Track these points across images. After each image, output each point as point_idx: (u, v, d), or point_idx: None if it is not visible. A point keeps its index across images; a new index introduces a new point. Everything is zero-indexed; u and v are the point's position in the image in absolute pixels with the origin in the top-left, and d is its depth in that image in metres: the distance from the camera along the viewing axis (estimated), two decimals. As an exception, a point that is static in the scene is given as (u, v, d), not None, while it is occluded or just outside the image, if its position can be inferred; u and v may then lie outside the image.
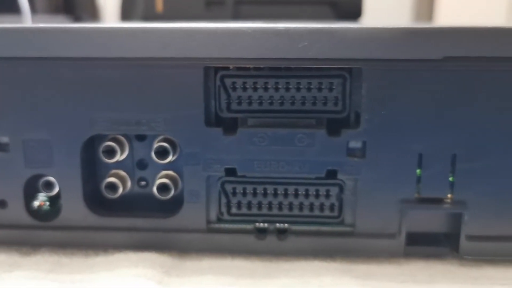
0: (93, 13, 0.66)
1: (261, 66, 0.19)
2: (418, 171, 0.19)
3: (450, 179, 0.19)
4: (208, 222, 0.20)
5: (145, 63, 0.18)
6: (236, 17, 0.46)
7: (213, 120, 0.19)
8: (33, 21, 0.51)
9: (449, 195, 0.19)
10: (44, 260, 0.20)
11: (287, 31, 0.18)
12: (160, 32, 0.18)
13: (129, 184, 0.21)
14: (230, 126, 0.19)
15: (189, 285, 0.18)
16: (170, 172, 0.20)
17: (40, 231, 0.20)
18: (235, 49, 0.18)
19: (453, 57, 0.18)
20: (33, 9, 0.60)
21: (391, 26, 0.18)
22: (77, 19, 0.63)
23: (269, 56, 0.18)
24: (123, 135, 0.20)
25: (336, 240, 0.20)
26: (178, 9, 0.46)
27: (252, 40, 0.18)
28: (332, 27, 0.18)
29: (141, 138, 0.20)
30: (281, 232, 0.20)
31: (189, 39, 0.18)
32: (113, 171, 0.21)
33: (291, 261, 0.20)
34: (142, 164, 0.21)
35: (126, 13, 0.51)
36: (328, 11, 0.46)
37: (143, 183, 0.21)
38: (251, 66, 0.19)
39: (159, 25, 0.18)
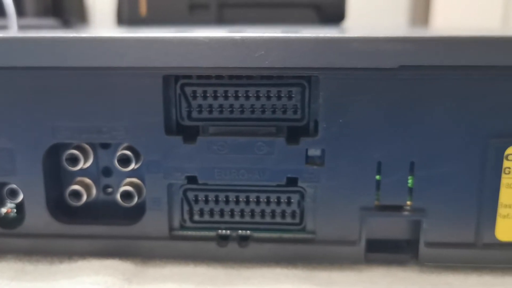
0: (82, 16, 0.66)
1: (219, 75, 0.19)
2: (377, 178, 0.19)
3: (409, 186, 0.19)
4: (171, 229, 0.20)
5: (104, 72, 0.19)
6: (220, 20, 0.46)
7: (174, 128, 0.20)
8: (21, 23, 0.51)
9: (408, 202, 0.19)
10: (8, 267, 0.20)
11: (243, 41, 0.18)
12: (118, 41, 0.18)
13: (94, 191, 0.21)
14: (191, 134, 0.19)
15: (148, 292, 0.18)
16: (135, 180, 0.21)
17: (4, 238, 0.21)
18: (192, 58, 0.18)
19: (408, 66, 0.18)
20: (22, 11, 0.60)
21: (347, 35, 0.18)
22: (66, 22, 0.63)
23: (226, 65, 0.18)
24: (88, 143, 0.20)
25: (298, 247, 0.20)
26: (161, 13, 0.46)
27: (209, 50, 0.18)
28: (288, 36, 0.18)
29: (105, 146, 0.21)
30: (243, 239, 0.20)
31: (146, 48, 0.18)
32: (78, 178, 0.21)
33: (253, 268, 0.20)
34: (107, 172, 0.21)
35: (119, 17, 0.51)
36: (312, 14, 0.46)
37: (109, 190, 0.21)
38: (210, 74, 0.19)
39: (117, 34, 0.18)
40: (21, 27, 0.46)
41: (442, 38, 0.17)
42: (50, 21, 0.61)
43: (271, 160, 0.19)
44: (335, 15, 0.46)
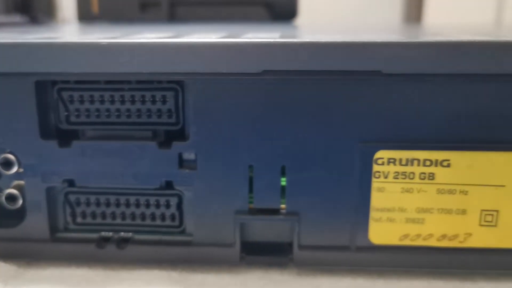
0: (50, 13, 0.66)
1: (86, 80, 0.19)
2: (249, 181, 0.19)
3: (282, 190, 0.19)
4: (54, 231, 0.20)
5: (-22, 77, 0.19)
6: (172, 18, 0.46)
7: (53, 132, 0.20)
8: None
9: (282, 206, 0.19)
10: None
11: (109, 46, 0.18)
12: (-12, 47, 0.18)
13: (-17, 194, 0.21)
14: (69, 138, 0.20)
15: (19, 294, 0.19)
16: (21, 182, 0.21)
17: None
18: (59, 64, 0.18)
19: (271, 70, 0.18)
20: (-9, 9, 0.60)
21: (211, 41, 0.18)
22: (33, 19, 0.64)
23: (94, 70, 0.18)
24: (-25, 146, 0.21)
25: (177, 249, 0.20)
26: (113, 10, 0.46)
27: (76, 55, 0.18)
28: (151, 42, 0.18)
29: (-7, 149, 0.21)
30: (124, 241, 0.20)
31: (15, 54, 0.18)
32: (-33, 181, 0.21)
33: (133, 270, 0.20)
34: (-4, 175, 0.21)
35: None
36: (263, 11, 0.46)
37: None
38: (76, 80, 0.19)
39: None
40: (-15, 25, 0.46)
41: (304, 43, 0.18)
42: (17, 18, 0.61)
43: (144, 164, 0.19)
44: (287, 13, 0.46)
